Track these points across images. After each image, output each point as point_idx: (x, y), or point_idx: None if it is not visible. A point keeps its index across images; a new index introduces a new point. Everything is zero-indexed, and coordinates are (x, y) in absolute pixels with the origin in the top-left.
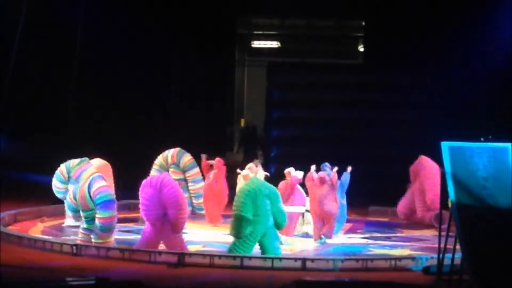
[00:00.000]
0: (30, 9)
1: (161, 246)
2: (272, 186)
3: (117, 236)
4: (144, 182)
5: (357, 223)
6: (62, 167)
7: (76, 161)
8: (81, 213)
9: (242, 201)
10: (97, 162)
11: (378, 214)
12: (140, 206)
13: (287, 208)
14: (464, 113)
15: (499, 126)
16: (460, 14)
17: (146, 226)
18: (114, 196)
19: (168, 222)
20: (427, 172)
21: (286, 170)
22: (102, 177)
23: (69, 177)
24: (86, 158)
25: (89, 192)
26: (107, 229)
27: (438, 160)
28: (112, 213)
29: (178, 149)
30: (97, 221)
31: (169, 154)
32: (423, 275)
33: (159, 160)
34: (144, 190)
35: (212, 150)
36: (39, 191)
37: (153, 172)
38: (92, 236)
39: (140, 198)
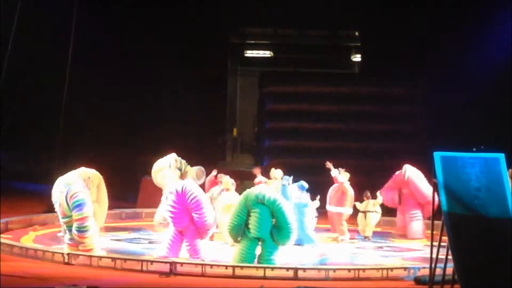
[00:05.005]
0: (20, 24)
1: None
2: (273, 196)
3: (108, 245)
4: (168, 191)
5: (349, 233)
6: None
7: None
8: (62, 222)
9: (235, 209)
10: (88, 171)
11: None
12: (168, 215)
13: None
14: (458, 123)
15: (492, 136)
16: (455, 24)
17: (173, 234)
18: (89, 200)
19: (194, 227)
20: (415, 179)
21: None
22: (81, 185)
23: None
24: None
25: (66, 199)
26: (81, 229)
27: (431, 169)
28: (85, 214)
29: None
30: (74, 223)
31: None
32: (415, 285)
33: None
34: (169, 199)
35: (204, 159)
36: (31, 199)
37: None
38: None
39: (167, 207)
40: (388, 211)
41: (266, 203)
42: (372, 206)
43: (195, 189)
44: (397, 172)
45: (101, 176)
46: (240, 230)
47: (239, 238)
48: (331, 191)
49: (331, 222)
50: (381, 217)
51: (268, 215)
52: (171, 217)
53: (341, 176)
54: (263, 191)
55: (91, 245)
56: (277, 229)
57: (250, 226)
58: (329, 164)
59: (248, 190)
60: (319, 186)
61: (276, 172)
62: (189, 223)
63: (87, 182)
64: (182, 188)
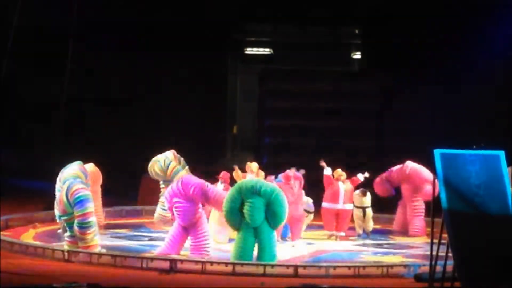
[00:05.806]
0: (21, 20)
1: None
2: (270, 187)
3: (109, 242)
4: (168, 192)
5: (349, 230)
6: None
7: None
8: (61, 219)
9: (228, 194)
10: (89, 168)
11: None
12: (175, 213)
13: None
14: (458, 120)
15: (492, 133)
16: (455, 23)
17: (176, 231)
18: (90, 196)
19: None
20: (421, 176)
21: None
22: (79, 180)
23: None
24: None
25: (67, 196)
26: (84, 226)
27: (431, 167)
28: (88, 209)
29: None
30: (75, 220)
31: (177, 155)
32: (415, 282)
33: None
34: (173, 199)
35: (204, 156)
36: (31, 197)
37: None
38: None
39: (172, 207)
40: (387, 207)
41: (262, 194)
42: (368, 202)
43: (191, 178)
44: (397, 167)
45: (100, 173)
46: (237, 215)
47: (237, 226)
48: (346, 189)
49: (332, 220)
50: (381, 214)
51: (262, 206)
52: (178, 214)
53: (361, 175)
54: (259, 182)
55: (93, 241)
56: (271, 215)
57: (245, 215)
58: (323, 163)
59: (243, 180)
60: (319, 184)
61: (253, 166)
62: (196, 219)
63: (90, 178)
64: (181, 183)
